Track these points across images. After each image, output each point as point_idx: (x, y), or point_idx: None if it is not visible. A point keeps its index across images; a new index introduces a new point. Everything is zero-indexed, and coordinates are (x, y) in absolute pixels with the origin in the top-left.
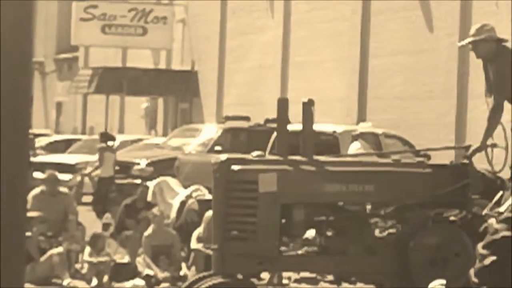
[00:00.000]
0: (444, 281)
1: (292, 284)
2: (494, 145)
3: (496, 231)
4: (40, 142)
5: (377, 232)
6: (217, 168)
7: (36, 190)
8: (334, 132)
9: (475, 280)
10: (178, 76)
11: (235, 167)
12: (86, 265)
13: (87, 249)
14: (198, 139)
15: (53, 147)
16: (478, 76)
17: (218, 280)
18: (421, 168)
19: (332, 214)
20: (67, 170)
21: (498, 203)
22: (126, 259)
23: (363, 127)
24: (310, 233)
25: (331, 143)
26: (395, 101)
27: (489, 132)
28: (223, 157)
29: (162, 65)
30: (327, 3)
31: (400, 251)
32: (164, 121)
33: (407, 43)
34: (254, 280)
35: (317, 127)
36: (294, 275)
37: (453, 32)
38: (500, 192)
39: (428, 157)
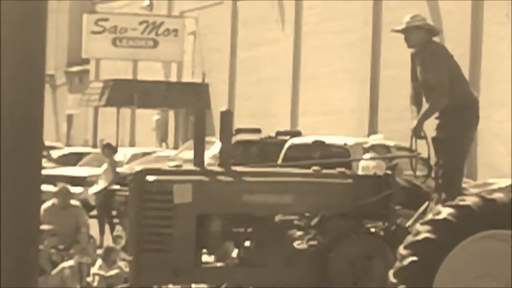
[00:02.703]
0: None
1: None
2: (417, 155)
3: (403, 257)
4: (51, 155)
5: (297, 244)
6: (132, 179)
7: (47, 203)
8: (345, 144)
9: None
10: (189, 89)
11: (150, 178)
12: (97, 278)
13: (98, 262)
14: (210, 152)
15: (64, 160)
16: (490, 86)
17: None
18: (342, 179)
19: (251, 226)
20: (78, 183)
21: (424, 214)
22: None
23: (375, 139)
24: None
25: (342, 156)
26: (406, 113)
27: (427, 114)
28: (138, 167)
29: (173, 78)
30: (338, 14)
31: (320, 263)
32: (175, 134)
33: None
34: None
35: (328, 139)
36: None
37: (464, 42)
38: (426, 203)
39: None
